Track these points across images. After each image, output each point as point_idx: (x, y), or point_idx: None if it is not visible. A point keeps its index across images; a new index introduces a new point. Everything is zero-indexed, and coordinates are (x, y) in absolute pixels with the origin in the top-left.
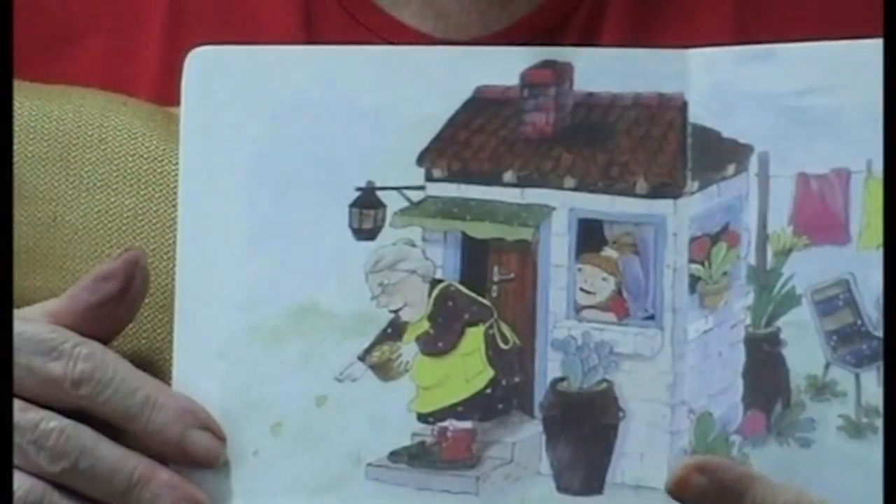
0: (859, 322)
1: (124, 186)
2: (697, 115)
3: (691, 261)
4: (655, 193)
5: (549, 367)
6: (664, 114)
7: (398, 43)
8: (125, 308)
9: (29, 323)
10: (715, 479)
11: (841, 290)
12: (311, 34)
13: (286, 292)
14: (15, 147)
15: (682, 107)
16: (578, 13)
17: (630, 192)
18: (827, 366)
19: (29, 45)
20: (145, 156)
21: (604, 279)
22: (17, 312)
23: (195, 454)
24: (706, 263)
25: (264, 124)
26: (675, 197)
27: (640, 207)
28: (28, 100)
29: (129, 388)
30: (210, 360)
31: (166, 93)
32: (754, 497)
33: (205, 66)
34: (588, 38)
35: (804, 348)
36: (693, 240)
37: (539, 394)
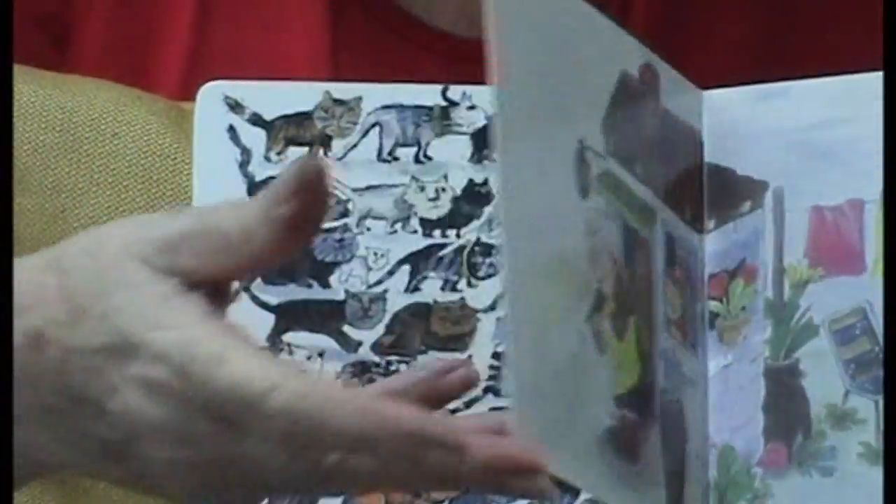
0: (877, 349)
1: (136, 183)
2: (712, 154)
3: (710, 297)
4: None
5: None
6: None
7: (428, 47)
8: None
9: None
10: None
11: (858, 318)
12: (336, 37)
13: (542, 241)
14: (25, 136)
15: (699, 146)
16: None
17: None
18: (846, 394)
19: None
20: (158, 153)
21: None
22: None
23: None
24: (724, 300)
25: None
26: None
27: None
28: (41, 88)
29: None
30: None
31: (191, 83)
32: None
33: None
34: None
35: (823, 378)
36: (711, 276)
37: (657, 398)
